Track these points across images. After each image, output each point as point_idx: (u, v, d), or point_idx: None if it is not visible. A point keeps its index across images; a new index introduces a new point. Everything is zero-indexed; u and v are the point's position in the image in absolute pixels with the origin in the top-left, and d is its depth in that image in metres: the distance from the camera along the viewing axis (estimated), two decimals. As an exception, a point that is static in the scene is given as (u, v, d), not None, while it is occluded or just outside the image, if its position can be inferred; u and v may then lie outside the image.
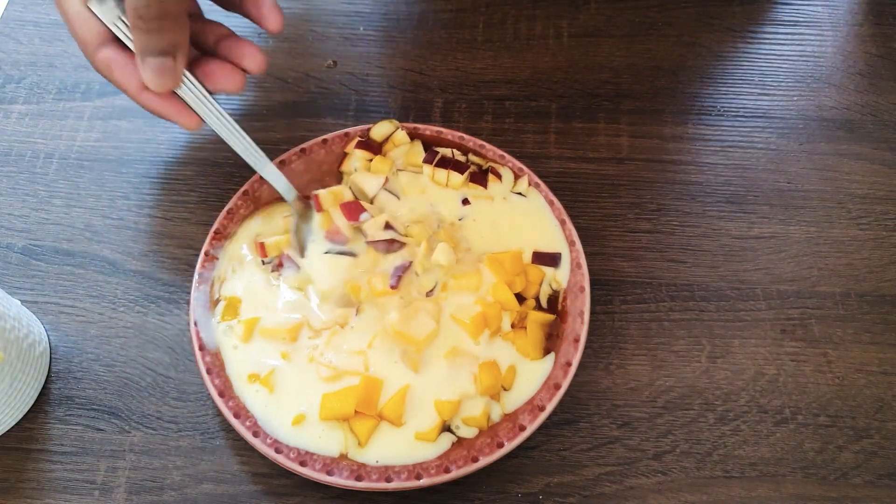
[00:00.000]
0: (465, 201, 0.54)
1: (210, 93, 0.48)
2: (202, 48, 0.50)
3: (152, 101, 0.46)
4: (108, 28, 0.45)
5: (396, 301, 0.49)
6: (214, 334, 0.49)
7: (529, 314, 0.49)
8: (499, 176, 0.54)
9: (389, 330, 0.48)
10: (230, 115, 0.50)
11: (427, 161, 0.54)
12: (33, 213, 0.58)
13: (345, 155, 0.56)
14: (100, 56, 0.46)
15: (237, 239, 0.53)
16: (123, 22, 0.45)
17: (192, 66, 0.48)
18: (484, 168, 0.55)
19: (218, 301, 0.50)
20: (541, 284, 0.51)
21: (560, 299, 0.50)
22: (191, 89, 0.47)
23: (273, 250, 0.51)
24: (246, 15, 0.51)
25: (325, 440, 0.45)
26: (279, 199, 0.54)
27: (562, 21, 0.68)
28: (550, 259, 0.51)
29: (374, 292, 0.49)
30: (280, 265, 0.51)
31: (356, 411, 0.45)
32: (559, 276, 0.51)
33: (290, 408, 0.46)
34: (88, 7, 0.45)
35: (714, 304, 0.53)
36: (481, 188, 0.54)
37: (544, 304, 0.50)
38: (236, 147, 0.50)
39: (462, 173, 0.54)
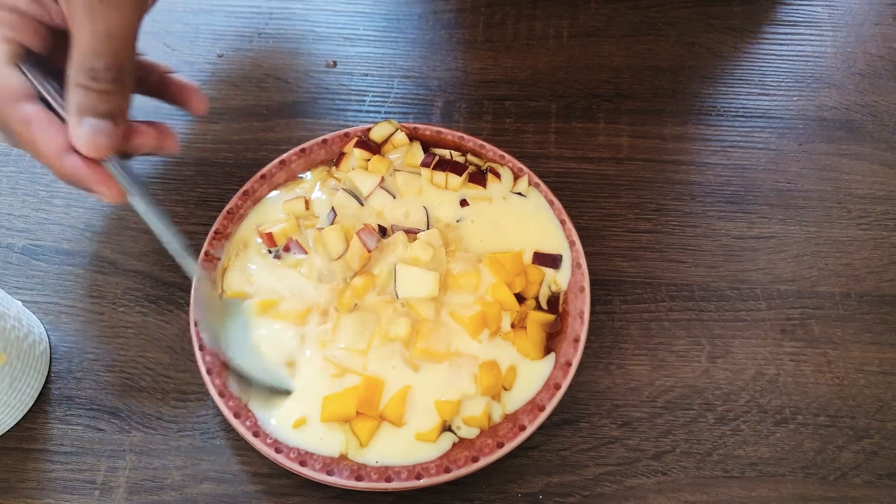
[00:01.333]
0: (464, 202, 0.54)
1: (149, 154, 0.46)
2: (145, 87, 0.48)
3: (76, 165, 0.41)
4: (32, 86, 0.42)
5: (392, 302, 0.49)
6: None
7: (529, 314, 0.49)
8: (498, 176, 0.54)
9: (398, 342, 0.48)
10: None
11: (425, 164, 0.54)
12: (33, 213, 0.58)
13: (342, 155, 0.56)
14: (20, 111, 0.41)
15: (241, 229, 0.53)
16: (51, 85, 0.42)
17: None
18: (483, 168, 0.55)
19: (221, 295, 0.50)
20: (541, 285, 0.51)
21: (561, 301, 0.50)
22: (117, 163, 0.43)
23: (281, 238, 0.52)
24: (169, 101, 0.49)
25: (326, 441, 0.45)
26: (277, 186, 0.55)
27: (562, 21, 0.68)
28: (551, 260, 0.51)
29: (357, 291, 0.49)
30: (287, 249, 0.51)
31: (357, 412, 0.45)
32: (560, 279, 0.51)
33: (291, 409, 0.46)
34: (16, 64, 0.42)
35: (714, 304, 0.53)
36: (480, 188, 0.54)
37: (544, 305, 0.50)
38: (160, 235, 0.45)
39: (460, 174, 0.53)
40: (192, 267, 0.47)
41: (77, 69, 0.40)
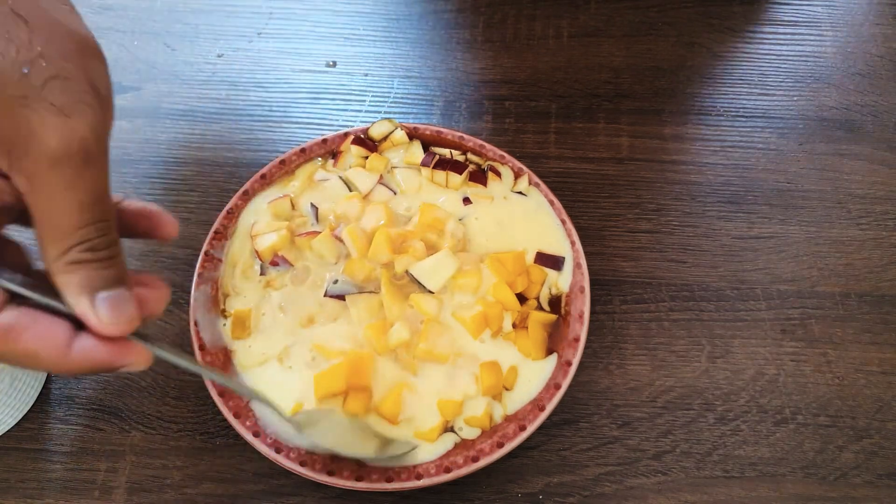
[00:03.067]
0: (466, 200, 0.53)
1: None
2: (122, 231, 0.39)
3: (90, 350, 0.34)
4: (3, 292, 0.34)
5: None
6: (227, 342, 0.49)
7: (531, 314, 0.49)
8: (499, 174, 0.54)
9: (402, 345, 0.48)
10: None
11: (425, 164, 0.54)
12: (33, 213, 0.58)
13: (338, 153, 0.56)
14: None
15: (235, 238, 0.53)
16: (20, 279, 0.34)
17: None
18: (483, 167, 0.55)
19: (224, 311, 0.50)
20: (543, 285, 0.51)
21: (563, 303, 0.50)
22: None
23: (267, 255, 0.51)
24: (143, 234, 0.40)
25: None
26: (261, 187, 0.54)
27: (562, 21, 0.68)
28: (553, 262, 0.51)
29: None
30: (274, 264, 0.51)
31: (349, 387, 0.45)
32: (561, 282, 0.50)
33: (286, 398, 0.46)
34: None
35: (714, 304, 0.53)
36: (481, 187, 0.54)
37: (545, 306, 0.50)
38: (197, 370, 0.41)
39: (461, 173, 0.53)
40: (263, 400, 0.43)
41: (65, 247, 0.33)
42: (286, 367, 0.47)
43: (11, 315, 0.33)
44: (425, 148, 0.56)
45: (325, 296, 0.49)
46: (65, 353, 0.34)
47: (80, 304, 0.33)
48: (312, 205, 0.52)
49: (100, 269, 0.34)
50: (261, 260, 0.51)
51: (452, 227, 0.51)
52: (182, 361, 0.38)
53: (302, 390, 0.46)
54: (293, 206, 0.53)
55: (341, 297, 0.49)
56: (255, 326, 0.49)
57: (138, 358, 0.35)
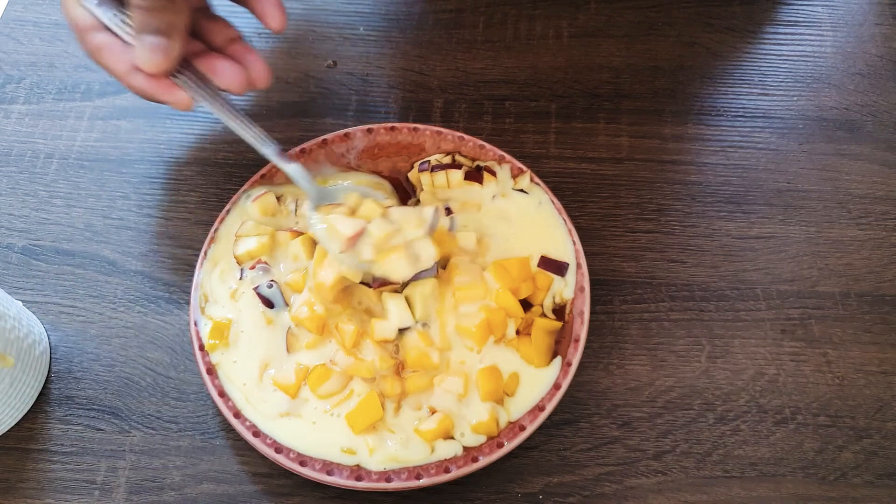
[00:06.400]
0: (448, 210, 0.53)
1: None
2: (209, 46, 0.51)
3: (142, 81, 0.47)
4: (97, 19, 0.47)
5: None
6: (211, 356, 0.48)
7: (535, 321, 0.48)
8: (494, 174, 0.54)
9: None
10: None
11: (423, 170, 0.54)
12: (33, 213, 0.58)
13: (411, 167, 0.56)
14: (92, 40, 0.48)
15: (221, 238, 0.52)
16: (119, 15, 0.47)
17: (197, 59, 0.49)
18: (476, 166, 0.55)
19: (203, 309, 0.49)
20: (548, 291, 0.50)
21: (567, 310, 0.50)
22: (188, 77, 0.48)
23: (245, 259, 0.51)
24: (250, 10, 0.52)
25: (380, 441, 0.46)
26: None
27: (562, 21, 0.68)
28: (557, 267, 0.50)
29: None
30: (252, 269, 0.50)
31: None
32: (566, 292, 0.50)
33: (334, 444, 0.46)
34: (84, 6, 0.47)
35: (714, 304, 0.53)
36: (477, 184, 0.54)
37: (548, 314, 0.49)
38: (240, 132, 0.50)
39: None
40: (273, 156, 0.51)
41: None
42: (310, 423, 0.46)
43: (102, 37, 0.47)
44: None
45: (253, 289, 0.49)
46: (126, 75, 0.47)
47: (133, 41, 0.46)
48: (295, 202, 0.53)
49: (147, 16, 0.44)
50: (238, 264, 0.51)
51: (467, 243, 0.50)
52: (228, 120, 0.50)
53: (342, 433, 0.46)
54: (280, 201, 0.53)
55: (269, 303, 0.49)
56: (234, 341, 0.48)
57: (176, 99, 0.47)
